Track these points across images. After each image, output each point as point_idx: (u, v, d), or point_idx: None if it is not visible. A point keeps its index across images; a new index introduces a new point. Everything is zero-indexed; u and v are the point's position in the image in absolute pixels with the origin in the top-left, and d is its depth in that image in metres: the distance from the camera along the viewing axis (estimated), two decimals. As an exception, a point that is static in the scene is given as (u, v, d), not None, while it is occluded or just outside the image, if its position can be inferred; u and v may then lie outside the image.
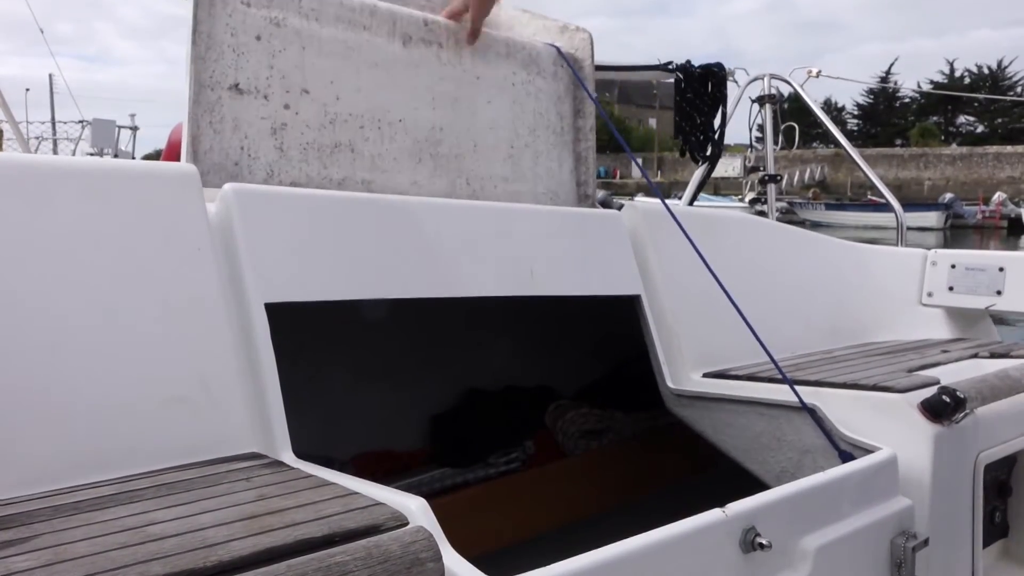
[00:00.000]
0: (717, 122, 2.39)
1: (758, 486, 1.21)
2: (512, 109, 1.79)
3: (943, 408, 1.39)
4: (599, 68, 2.02)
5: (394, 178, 1.60)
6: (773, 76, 3.04)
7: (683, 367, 1.71)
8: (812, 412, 1.47)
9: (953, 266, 2.25)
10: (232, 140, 1.40)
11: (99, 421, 0.98)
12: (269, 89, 1.44)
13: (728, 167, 20.46)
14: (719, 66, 2.38)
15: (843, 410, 1.46)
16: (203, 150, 1.37)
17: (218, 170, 1.38)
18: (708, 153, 2.41)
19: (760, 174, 3.07)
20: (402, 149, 1.62)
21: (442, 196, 1.64)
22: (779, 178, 3.07)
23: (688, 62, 2.37)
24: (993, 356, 1.86)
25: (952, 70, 47.96)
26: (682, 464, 1.96)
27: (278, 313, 1.18)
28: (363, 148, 1.56)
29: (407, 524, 0.83)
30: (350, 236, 1.31)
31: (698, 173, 2.64)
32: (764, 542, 1.06)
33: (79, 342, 1.00)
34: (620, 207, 1.87)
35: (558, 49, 1.88)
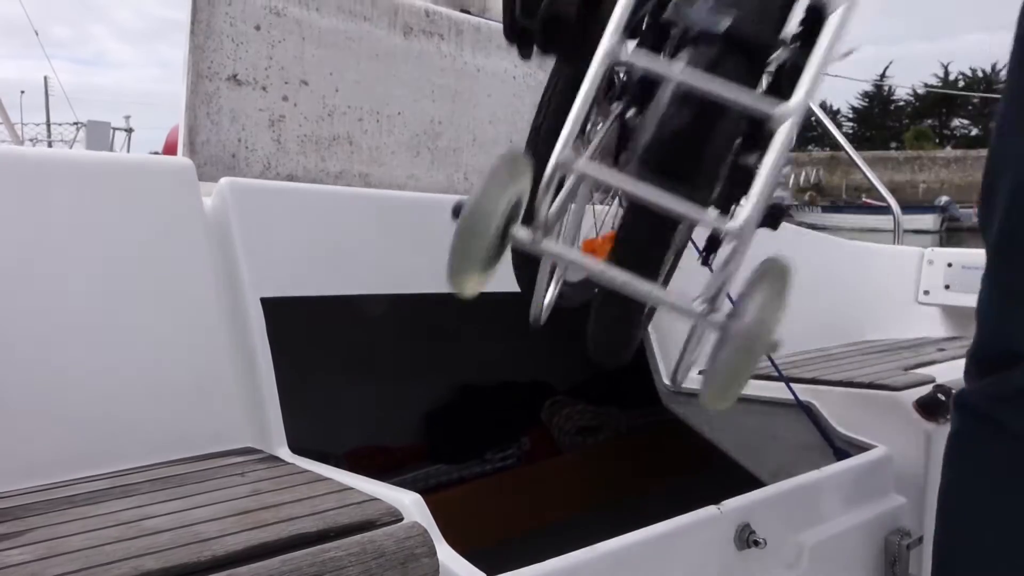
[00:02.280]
0: None
1: (753, 483, 1.21)
2: (512, 103, 1.79)
3: (938, 406, 1.39)
4: None
5: (392, 171, 1.60)
6: None
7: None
8: (808, 410, 1.47)
9: (950, 264, 2.25)
10: (230, 132, 1.39)
11: (93, 415, 0.98)
12: (268, 80, 1.43)
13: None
14: None
15: (838, 408, 1.46)
16: (200, 141, 1.36)
17: (215, 162, 1.37)
18: None
19: None
20: (400, 142, 1.61)
21: (439, 190, 1.64)
22: None
23: None
24: (988, 356, 1.86)
25: (947, 73, 48.14)
26: (678, 461, 1.96)
27: (274, 308, 1.17)
28: (361, 141, 1.56)
29: (402, 520, 0.83)
30: (346, 231, 1.30)
31: None
32: (759, 539, 1.06)
33: (73, 336, 0.99)
34: None
35: None
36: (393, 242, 1.36)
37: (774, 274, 0.64)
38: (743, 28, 0.62)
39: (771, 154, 0.60)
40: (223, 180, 1.21)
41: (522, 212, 0.67)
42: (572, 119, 0.63)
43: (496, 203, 0.64)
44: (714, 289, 0.64)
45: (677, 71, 0.61)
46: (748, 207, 0.61)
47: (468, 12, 1.84)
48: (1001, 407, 1.05)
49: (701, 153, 0.65)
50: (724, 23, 0.62)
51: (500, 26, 1.79)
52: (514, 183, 0.65)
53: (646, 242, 0.69)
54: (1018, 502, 1.03)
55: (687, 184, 0.63)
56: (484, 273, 0.68)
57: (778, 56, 0.64)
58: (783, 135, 0.60)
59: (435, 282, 1.40)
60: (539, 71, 1.84)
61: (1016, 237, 1.05)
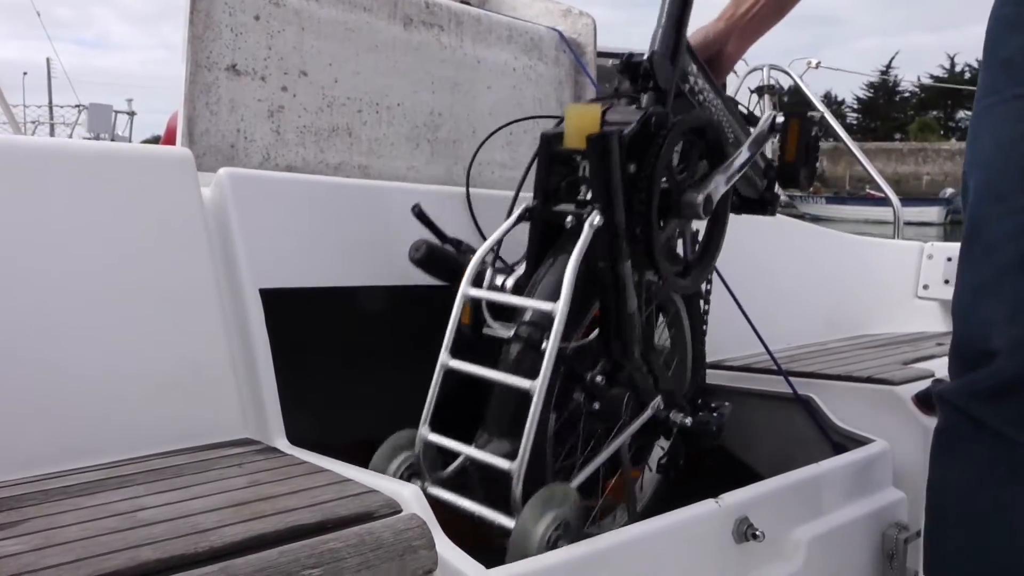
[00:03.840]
0: None
1: (752, 477, 1.21)
2: (512, 94, 1.78)
3: (938, 401, 1.39)
4: (601, 55, 2.00)
5: (391, 163, 1.59)
6: (772, 67, 3.02)
7: None
8: (806, 403, 1.47)
9: (949, 259, 2.25)
10: (228, 122, 1.38)
11: (90, 406, 0.98)
12: (267, 71, 1.43)
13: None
14: None
15: (837, 402, 1.47)
16: (199, 132, 1.35)
17: (214, 152, 1.37)
18: None
19: None
20: (400, 134, 1.61)
21: (439, 182, 1.64)
22: None
23: None
24: (988, 350, 1.86)
25: (952, 65, 47.87)
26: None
27: (273, 299, 1.17)
28: (360, 132, 1.55)
29: (400, 511, 0.83)
30: (346, 222, 1.30)
31: None
32: (758, 532, 1.07)
33: (70, 327, 0.99)
34: None
35: (560, 33, 1.87)
36: (393, 233, 1.36)
37: (550, 494, 0.91)
38: (522, 333, 1.06)
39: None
40: (222, 170, 1.20)
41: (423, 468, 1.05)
42: (428, 404, 1.16)
43: (385, 467, 1.06)
44: (517, 501, 0.93)
45: (486, 371, 1.11)
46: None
47: (468, 3, 1.83)
48: (979, 404, 1.06)
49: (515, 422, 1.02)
50: (510, 332, 1.07)
51: (500, 18, 1.79)
52: (400, 453, 1.08)
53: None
54: (1000, 497, 1.04)
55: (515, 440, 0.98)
56: None
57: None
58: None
59: None
60: (540, 64, 1.84)
61: (979, 234, 1.06)
